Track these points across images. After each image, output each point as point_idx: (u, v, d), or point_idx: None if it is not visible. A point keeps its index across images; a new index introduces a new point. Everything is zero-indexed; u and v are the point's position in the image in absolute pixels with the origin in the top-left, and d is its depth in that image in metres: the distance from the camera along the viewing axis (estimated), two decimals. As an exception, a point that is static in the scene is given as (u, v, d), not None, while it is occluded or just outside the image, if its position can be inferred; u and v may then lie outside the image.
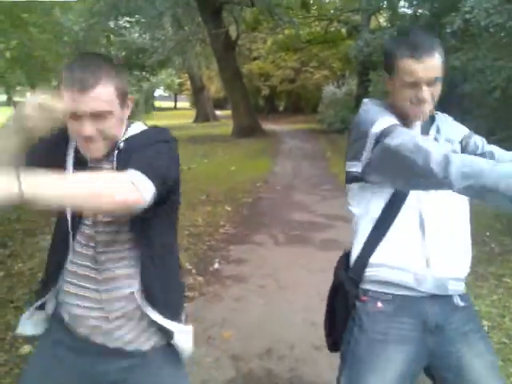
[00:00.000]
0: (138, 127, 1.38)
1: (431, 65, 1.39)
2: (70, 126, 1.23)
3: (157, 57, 21.51)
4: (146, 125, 1.42)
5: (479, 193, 1.17)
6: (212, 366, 2.84)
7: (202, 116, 29.81)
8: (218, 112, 32.49)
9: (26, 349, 2.87)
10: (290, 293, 3.88)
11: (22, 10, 16.26)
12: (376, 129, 1.38)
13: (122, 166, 1.24)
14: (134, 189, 1.11)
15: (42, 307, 1.42)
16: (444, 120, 1.61)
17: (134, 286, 1.33)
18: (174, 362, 1.46)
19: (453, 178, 1.16)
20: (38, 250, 4.50)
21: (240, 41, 20.90)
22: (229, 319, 3.45)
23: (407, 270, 1.47)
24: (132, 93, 24.98)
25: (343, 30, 22.97)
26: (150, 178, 1.15)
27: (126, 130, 1.35)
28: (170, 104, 51.85)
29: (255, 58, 28.46)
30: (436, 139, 1.54)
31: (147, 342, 1.39)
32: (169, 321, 1.37)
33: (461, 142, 1.57)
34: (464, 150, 1.55)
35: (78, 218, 1.31)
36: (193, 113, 32.70)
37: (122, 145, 1.30)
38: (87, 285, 1.32)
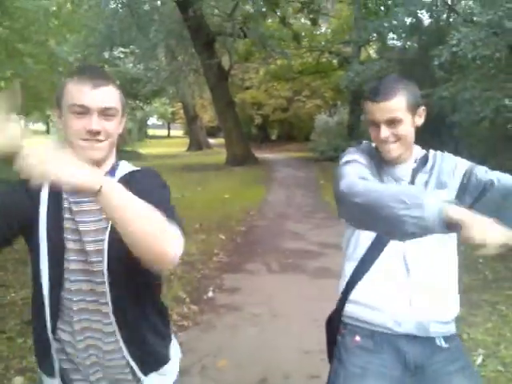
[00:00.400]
0: (127, 167, 1.37)
1: (387, 107, 1.44)
2: (71, 124, 1.21)
3: (151, 86, 21.81)
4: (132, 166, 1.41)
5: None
6: (206, 397, 2.82)
7: (196, 144, 30.00)
8: (211, 140, 32.73)
9: (19, 380, 2.84)
10: (284, 321, 3.87)
11: (18, 40, 16.49)
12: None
13: None
14: (180, 245, 1.11)
15: None
16: (440, 160, 1.57)
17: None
18: None
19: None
20: (30, 280, 4.46)
21: (233, 71, 21.24)
22: (223, 348, 3.43)
23: (384, 311, 1.50)
24: (126, 121, 25.27)
25: (334, 61, 23.44)
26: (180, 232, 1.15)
27: (115, 167, 1.35)
28: (164, 132, 52.14)
29: (248, 88, 28.84)
30: (426, 183, 1.52)
31: None
32: None
33: (462, 180, 1.51)
34: (469, 179, 1.50)
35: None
36: (186, 141, 32.91)
37: (119, 179, 1.29)
38: None
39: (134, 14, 16.74)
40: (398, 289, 1.50)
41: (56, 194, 1.28)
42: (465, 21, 9.25)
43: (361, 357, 1.52)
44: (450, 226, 1.09)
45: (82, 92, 1.21)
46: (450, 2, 11.59)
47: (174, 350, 1.50)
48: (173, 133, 52.55)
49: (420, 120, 1.53)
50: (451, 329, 1.54)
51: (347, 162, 1.48)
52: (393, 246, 1.50)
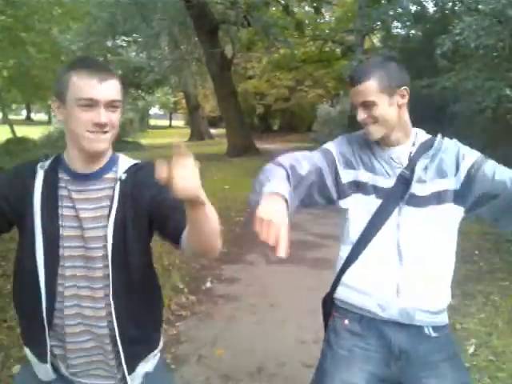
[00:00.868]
0: (127, 160, 1.41)
1: (359, 90, 1.49)
2: (79, 116, 1.24)
3: (153, 76, 21.75)
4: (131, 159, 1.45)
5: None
6: (203, 386, 2.87)
7: (197, 134, 29.95)
8: (212, 130, 32.65)
9: (18, 368, 2.87)
10: (281, 311, 3.91)
11: (21, 29, 16.48)
12: None
13: (129, 197, 1.32)
14: None
15: None
16: (447, 147, 1.56)
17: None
18: None
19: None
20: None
21: (235, 60, 21.14)
22: (220, 338, 3.48)
23: (371, 295, 1.53)
24: (127, 111, 25.16)
25: (338, 50, 23.30)
26: None
27: (114, 159, 1.39)
28: (165, 122, 52.06)
29: (250, 77, 28.74)
30: (425, 168, 1.52)
31: None
32: None
33: (468, 173, 1.50)
34: (471, 181, 1.49)
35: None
36: (188, 131, 32.86)
37: (124, 176, 1.34)
38: None
39: (137, 2, 16.67)
40: (388, 275, 1.51)
41: (51, 184, 1.32)
42: (469, 9, 9.20)
43: (348, 340, 1.56)
44: None
45: (89, 85, 1.23)
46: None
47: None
48: (174, 123, 52.51)
49: (402, 100, 1.52)
50: (441, 319, 1.56)
51: (319, 149, 1.62)
52: (387, 232, 1.52)
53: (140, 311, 1.38)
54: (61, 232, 1.31)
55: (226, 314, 3.92)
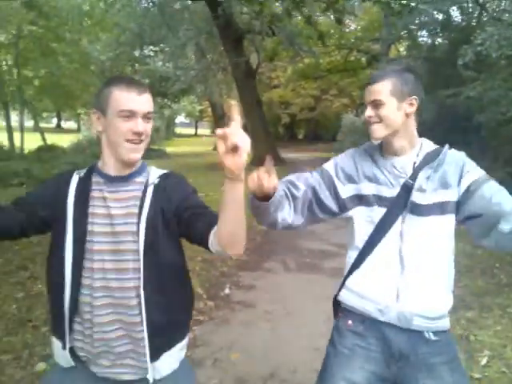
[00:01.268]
0: (158, 169, 1.56)
1: (372, 89, 1.58)
2: (119, 126, 1.39)
3: (179, 85, 22.06)
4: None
5: None
6: (216, 388, 2.94)
7: (223, 143, 30.16)
8: (238, 139, 32.85)
9: (41, 366, 3.02)
10: (297, 318, 3.96)
11: (52, 39, 17.00)
12: None
13: (161, 200, 1.45)
14: None
15: None
16: (452, 158, 1.60)
17: None
18: None
19: None
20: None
21: (260, 69, 21.32)
22: (235, 343, 3.55)
23: (371, 300, 1.60)
24: (154, 119, 25.63)
25: (363, 59, 23.29)
26: None
27: (143, 165, 1.54)
28: (191, 131, 52.65)
29: (275, 86, 28.90)
30: (428, 178, 1.57)
31: None
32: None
33: (467, 189, 1.54)
34: (468, 196, 1.54)
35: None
36: (213, 139, 33.12)
37: (157, 181, 1.49)
38: None
39: (164, 13, 17.00)
40: (389, 280, 1.58)
41: (84, 187, 1.49)
42: (493, 19, 9.12)
43: (350, 339, 1.64)
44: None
45: (129, 98, 1.39)
46: (480, 0, 11.36)
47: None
48: (200, 131, 53.02)
49: (410, 108, 1.58)
50: (441, 324, 1.60)
51: (318, 168, 1.71)
52: (391, 240, 1.58)
53: (169, 303, 1.48)
54: (90, 228, 1.44)
55: (242, 320, 3.99)
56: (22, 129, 17.97)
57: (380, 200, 1.61)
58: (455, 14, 12.60)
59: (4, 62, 18.23)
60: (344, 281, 1.71)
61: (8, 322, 3.69)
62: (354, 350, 1.63)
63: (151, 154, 17.34)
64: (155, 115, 24.41)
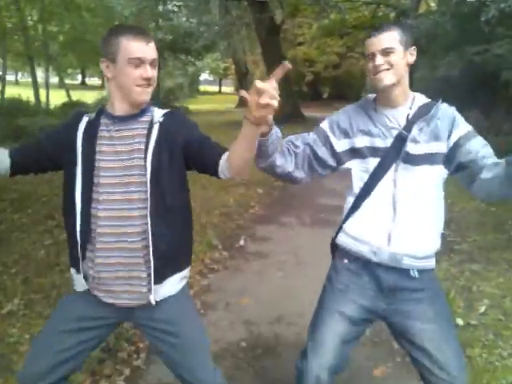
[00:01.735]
0: (160, 110, 1.70)
1: (382, 37, 1.66)
2: (129, 72, 1.55)
3: (203, 41, 21.86)
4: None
5: None
6: (227, 329, 3.17)
7: (245, 101, 30.01)
8: (261, 97, 32.55)
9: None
10: (308, 268, 4.15)
11: (75, -7, 16.92)
12: None
13: (166, 137, 1.61)
14: None
15: None
16: (443, 112, 1.72)
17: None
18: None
19: None
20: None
21: (285, 26, 20.91)
22: (247, 289, 3.77)
23: (365, 243, 1.76)
24: (177, 77, 25.48)
25: (392, 15, 22.55)
26: None
27: (148, 107, 1.68)
28: (215, 88, 52.36)
29: (300, 44, 28.33)
30: (421, 129, 1.69)
31: None
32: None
33: (456, 142, 1.68)
34: (457, 149, 1.68)
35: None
36: (236, 97, 32.99)
37: (161, 119, 1.63)
38: None
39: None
40: (382, 224, 1.73)
41: (92, 127, 1.65)
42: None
43: (346, 276, 1.83)
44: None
45: (138, 48, 1.54)
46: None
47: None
48: (224, 89, 52.66)
49: (412, 58, 1.72)
50: (428, 263, 1.76)
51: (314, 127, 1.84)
52: (384, 187, 1.72)
53: (172, 231, 1.65)
54: (97, 164, 1.61)
55: (255, 269, 4.21)
56: (47, 85, 18.22)
57: (374, 151, 1.74)
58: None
59: (29, 18, 18.28)
60: (341, 225, 1.86)
61: (37, 266, 3.98)
62: (349, 285, 1.81)
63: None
64: (178, 72, 24.40)
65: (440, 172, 1.73)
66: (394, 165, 1.71)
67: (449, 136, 1.69)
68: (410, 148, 1.69)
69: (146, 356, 2.80)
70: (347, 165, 1.81)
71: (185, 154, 1.63)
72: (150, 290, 1.64)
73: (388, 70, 1.66)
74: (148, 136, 1.60)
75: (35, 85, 16.00)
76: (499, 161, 1.61)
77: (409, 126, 1.70)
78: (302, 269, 4.17)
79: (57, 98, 18.35)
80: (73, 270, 1.72)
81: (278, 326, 3.21)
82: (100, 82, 41.34)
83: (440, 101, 1.75)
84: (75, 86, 36.03)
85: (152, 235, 1.59)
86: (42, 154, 1.71)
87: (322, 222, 5.64)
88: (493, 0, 7.48)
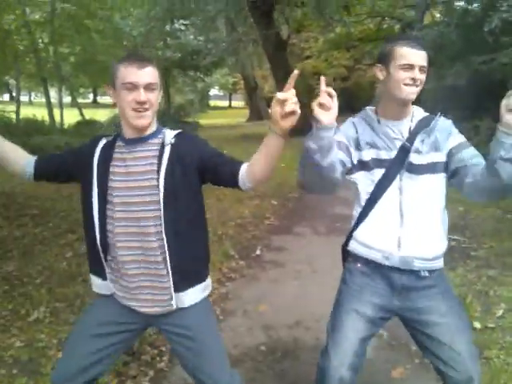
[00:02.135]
0: (171, 131, 1.79)
1: (423, 55, 1.74)
2: (124, 97, 1.63)
3: (211, 58, 22.19)
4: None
5: None
6: (245, 334, 3.25)
7: (256, 115, 30.21)
8: (271, 111, 32.76)
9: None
10: (323, 276, 4.20)
11: (84, 16, 17.31)
12: None
13: (178, 157, 1.69)
14: None
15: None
16: (442, 125, 1.84)
17: None
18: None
19: None
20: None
21: (291, 40, 21.15)
22: (264, 297, 3.84)
23: (376, 249, 1.85)
24: (187, 93, 25.82)
25: (397, 27, 22.72)
26: None
27: (160, 129, 1.77)
28: (225, 103, 52.83)
29: (307, 57, 28.58)
30: (422, 141, 1.80)
31: None
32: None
33: (450, 151, 1.80)
34: (451, 158, 1.80)
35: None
36: (247, 111, 33.23)
37: (173, 140, 1.71)
38: None
39: (194, -14, 17.02)
40: (391, 231, 1.82)
41: (107, 149, 1.76)
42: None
43: (360, 278, 1.91)
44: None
45: (131, 72, 1.63)
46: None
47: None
48: (234, 104, 53.10)
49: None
50: (436, 264, 1.86)
51: None
52: (391, 195, 1.82)
53: (188, 245, 1.74)
54: (110, 184, 1.71)
55: (271, 278, 4.28)
56: (60, 104, 18.53)
57: (379, 162, 1.84)
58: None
59: (40, 40, 18.70)
60: (351, 233, 1.95)
61: (60, 277, 4.10)
62: (363, 286, 1.90)
63: (185, 127, 17.59)
64: (188, 88, 24.70)
65: (442, 179, 1.85)
66: (398, 174, 1.82)
67: (446, 147, 1.81)
68: (414, 158, 1.80)
69: (168, 359, 2.90)
70: (354, 176, 1.90)
71: (201, 171, 1.72)
72: (171, 299, 1.74)
73: (417, 86, 1.76)
74: (160, 157, 1.69)
75: (49, 105, 16.32)
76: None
77: (411, 137, 1.82)
78: (318, 277, 4.23)
79: (70, 117, 18.68)
80: (97, 279, 1.83)
81: (296, 330, 3.29)
82: (111, 101, 41.80)
83: (438, 114, 1.88)
84: (87, 104, 36.56)
85: (168, 250, 1.68)
86: (62, 167, 1.86)
87: (338, 231, 5.68)
88: (495, 10, 7.55)
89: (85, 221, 1.79)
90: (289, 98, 1.39)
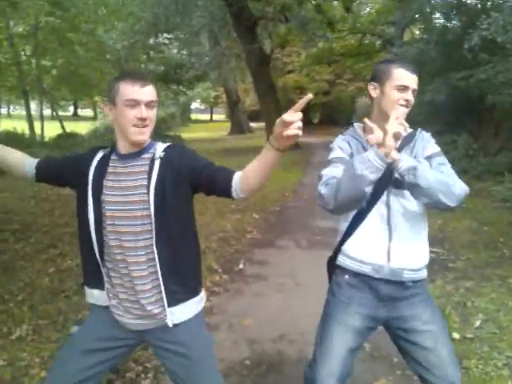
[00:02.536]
0: (162, 144, 1.83)
1: (415, 79, 1.86)
2: (126, 113, 1.67)
3: (194, 72, 22.30)
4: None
5: None
6: (231, 348, 3.26)
7: (237, 128, 30.42)
8: (252, 124, 33.04)
9: (75, 329, 3.34)
10: (306, 289, 4.26)
11: (68, 29, 17.29)
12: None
13: (168, 171, 1.72)
14: None
15: None
16: (421, 138, 1.95)
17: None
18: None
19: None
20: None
21: (274, 55, 21.40)
22: (248, 311, 3.86)
23: (367, 263, 1.91)
24: (169, 106, 25.83)
25: (377, 43, 23.17)
26: None
27: (151, 144, 1.81)
28: (206, 116, 52.96)
29: (290, 71, 28.94)
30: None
31: None
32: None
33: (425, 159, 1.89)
34: None
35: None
36: (228, 125, 33.38)
37: (162, 154, 1.75)
38: None
39: (178, 2, 17.16)
40: (380, 245, 1.89)
41: (102, 163, 1.79)
42: (505, 2, 9.15)
43: (347, 290, 1.97)
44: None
45: (134, 90, 1.68)
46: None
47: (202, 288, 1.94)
48: (215, 117, 53.27)
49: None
50: (422, 274, 1.94)
51: (329, 162, 1.93)
52: (379, 210, 1.88)
53: (178, 257, 1.76)
54: (103, 198, 1.74)
55: (255, 291, 4.31)
56: (41, 118, 18.42)
57: None
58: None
59: (23, 53, 18.61)
60: (339, 246, 2.00)
61: (43, 293, 4.06)
62: (351, 297, 1.96)
63: (166, 141, 17.51)
64: (170, 102, 24.72)
65: None
66: (386, 190, 1.88)
67: (422, 156, 1.89)
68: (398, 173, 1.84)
69: (153, 375, 2.90)
70: None
71: (193, 182, 1.75)
72: (164, 314, 1.75)
73: (408, 107, 1.86)
74: (150, 172, 1.72)
75: (30, 118, 16.19)
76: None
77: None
78: (301, 290, 4.28)
79: (50, 130, 18.55)
80: (95, 290, 1.84)
81: (280, 343, 3.32)
82: (92, 113, 41.64)
83: (419, 130, 1.98)
84: (68, 117, 36.35)
85: (159, 263, 1.71)
86: (60, 172, 1.90)
87: (319, 244, 5.76)
88: (474, 28, 7.78)
89: (80, 231, 1.81)
90: (294, 121, 1.44)
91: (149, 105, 1.70)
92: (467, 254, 5.07)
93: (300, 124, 1.45)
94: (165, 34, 21.89)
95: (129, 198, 1.72)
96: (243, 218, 7.15)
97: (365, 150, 1.92)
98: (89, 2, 16.71)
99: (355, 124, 2.06)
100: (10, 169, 1.93)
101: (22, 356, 3.06)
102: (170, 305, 1.75)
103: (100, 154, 1.82)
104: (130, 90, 1.67)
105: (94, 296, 1.85)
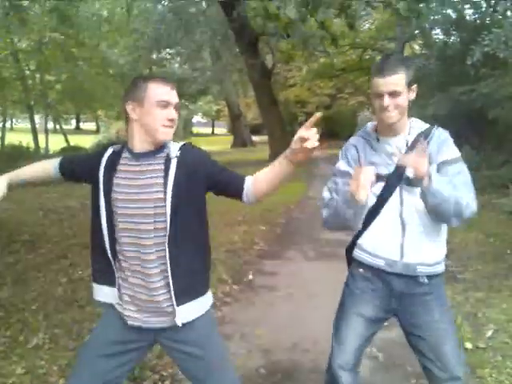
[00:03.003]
0: (175, 144, 1.85)
1: (391, 81, 1.84)
2: (156, 113, 1.71)
3: (196, 86, 22.51)
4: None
5: None
6: (245, 357, 3.29)
7: (240, 142, 30.60)
8: (254, 138, 33.22)
9: (90, 338, 3.39)
10: (317, 300, 4.29)
11: (73, 45, 17.50)
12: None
13: (185, 171, 1.74)
14: None
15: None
16: (437, 136, 1.93)
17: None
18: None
19: None
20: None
21: (276, 70, 21.60)
22: (260, 321, 3.90)
23: (380, 257, 1.98)
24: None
25: (378, 58, 23.39)
26: None
27: (165, 144, 1.81)
28: (208, 130, 53.20)
29: (291, 86, 29.16)
30: None
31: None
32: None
33: (439, 165, 1.89)
34: (438, 171, 1.88)
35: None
36: (230, 138, 33.56)
37: (178, 153, 1.76)
38: None
39: (181, 18, 17.38)
40: (394, 240, 1.96)
41: (112, 160, 1.82)
42: (506, 18, 9.30)
43: (361, 282, 2.07)
44: None
45: (166, 91, 1.74)
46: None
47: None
48: (217, 130, 53.53)
49: (412, 95, 1.93)
50: (437, 269, 1.98)
51: (332, 174, 2.10)
52: (392, 206, 1.94)
53: (189, 258, 1.79)
54: (114, 195, 1.76)
55: (265, 302, 4.35)
56: (46, 131, 18.55)
57: (379, 177, 1.93)
58: (469, 11, 12.72)
59: (27, 68, 18.80)
60: (355, 240, 2.07)
61: (56, 303, 4.11)
62: (364, 290, 2.05)
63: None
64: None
65: None
66: (398, 187, 1.93)
67: (436, 159, 1.90)
68: (410, 172, 1.89)
69: (170, 383, 2.92)
70: None
71: (208, 185, 1.80)
72: (173, 313, 1.77)
73: (395, 109, 1.88)
74: (166, 170, 1.73)
75: (34, 131, 16.31)
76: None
77: (408, 152, 1.92)
78: (311, 301, 4.31)
79: (54, 143, 18.67)
80: (105, 288, 1.86)
81: (293, 353, 3.34)
82: (95, 127, 41.85)
83: (436, 126, 1.99)
84: (70, 130, 36.52)
85: (170, 262, 1.74)
86: (79, 169, 1.96)
87: (326, 256, 5.81)
88: (476, 43, 7.89)
89: (93, 226, 1.84)
90: (311, 137, 1.56)
91: (176, 107, 1.77)
92: (475, 266, 5.11)
93: (316, 138, 1.56)
94: (167, 50, 22.14)
95: (142, 196, 1.74)
96: (250, 229, 7.19)
97: (373, 150, 2.00)
98: (92, 18, 17.00)
99: (368, 123, 2.12)
100: (39, 180, 2.00)
101: (40, 364, 3.09)
102: (179, 304, 1.77)
103: (109, 152, 1.85)
104: (163, 91, 1.73)
105: (104, 292, 1.87)
